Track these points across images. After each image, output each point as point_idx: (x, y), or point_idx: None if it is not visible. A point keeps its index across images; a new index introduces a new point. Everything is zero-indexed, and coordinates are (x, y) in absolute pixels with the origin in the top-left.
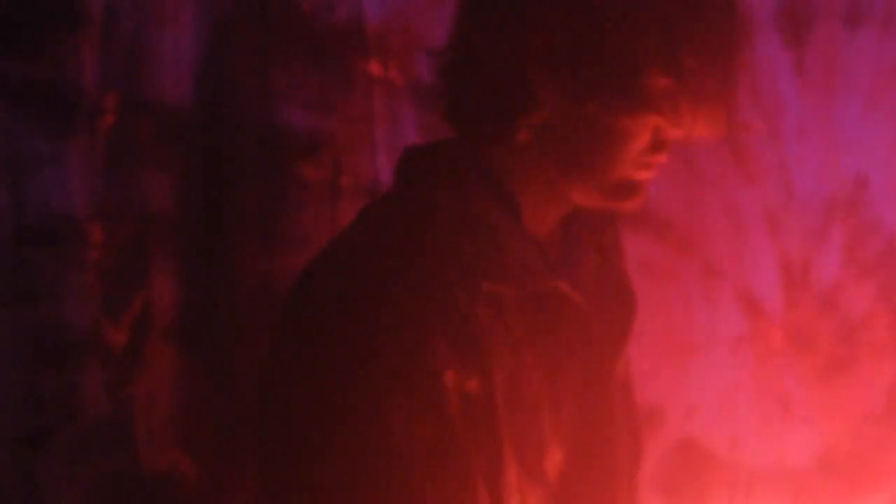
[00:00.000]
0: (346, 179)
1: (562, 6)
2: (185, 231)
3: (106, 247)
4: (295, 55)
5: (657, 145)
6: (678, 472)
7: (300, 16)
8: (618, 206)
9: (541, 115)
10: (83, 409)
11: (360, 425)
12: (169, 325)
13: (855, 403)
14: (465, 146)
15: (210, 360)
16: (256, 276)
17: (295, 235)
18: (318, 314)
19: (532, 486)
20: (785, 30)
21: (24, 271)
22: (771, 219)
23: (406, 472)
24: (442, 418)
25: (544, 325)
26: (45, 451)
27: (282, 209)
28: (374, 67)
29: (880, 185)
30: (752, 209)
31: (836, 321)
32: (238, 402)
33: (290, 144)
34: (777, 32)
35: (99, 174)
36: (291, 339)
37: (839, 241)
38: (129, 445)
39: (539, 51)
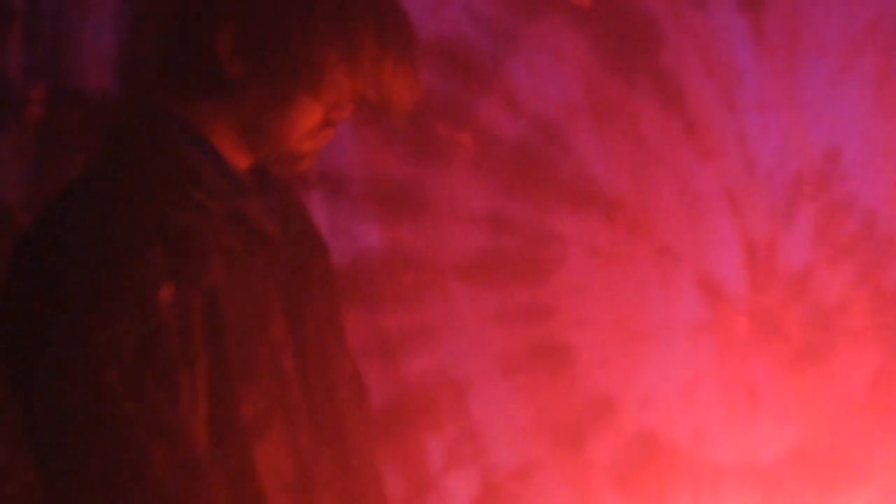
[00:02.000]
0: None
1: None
2: None
3: None
4: None
5: (328, 122)
6: (637, 467)
7: None
8: (287, 169)
9: (231, 87)
10: None
11: (66, 343)
12: None
13: (831, 395)
14: (166, 104)
15: None
16: None
17: None
18: (49, 250)
19: (269, 385)
20: None
21: None
22: (731, 197)
23: (109, 387)
24: (153, 331)
25: (246, 243)
26: None
27: None
28: None
29: (853, 160)
30: (710, 187)
31: (807, 307)
32: None
33: None
34: None
35: (30, 164)
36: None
37: (809, 221)
38: None
39: (228, 35)
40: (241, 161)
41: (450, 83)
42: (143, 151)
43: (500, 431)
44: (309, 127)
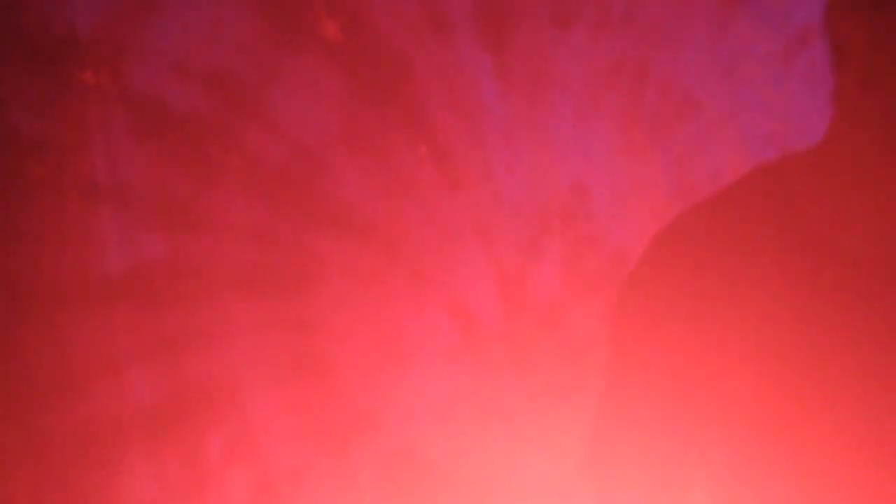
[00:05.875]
0: (68, 180)
1: None
2: None
3: None
4: (18, 64)
5: None
6: (399, 482)
7: (22, 28)
8: None
9: None
10: None
11: None
12: None
13: (581, 429)
14: None
15: None
16: None
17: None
18: None
19: None
20: (485, 31)
21: None
22: (481, 228)
23: None
24: None
25: None
26: None
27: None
28: (88, 75)
29: (600, 197)
30: (460, 217)
31: (557, 340)
32: None
33: (14, 145)
34: (475, 34)
35: None
36: None
37: (557, 255)
38: None
39: None
40: None
41: (220, 110)
42: None
43: (274, 434)
44: None
